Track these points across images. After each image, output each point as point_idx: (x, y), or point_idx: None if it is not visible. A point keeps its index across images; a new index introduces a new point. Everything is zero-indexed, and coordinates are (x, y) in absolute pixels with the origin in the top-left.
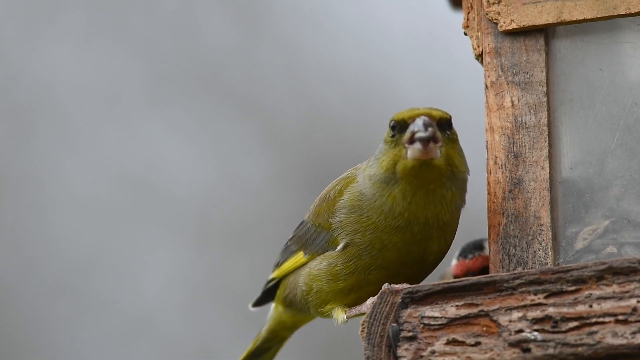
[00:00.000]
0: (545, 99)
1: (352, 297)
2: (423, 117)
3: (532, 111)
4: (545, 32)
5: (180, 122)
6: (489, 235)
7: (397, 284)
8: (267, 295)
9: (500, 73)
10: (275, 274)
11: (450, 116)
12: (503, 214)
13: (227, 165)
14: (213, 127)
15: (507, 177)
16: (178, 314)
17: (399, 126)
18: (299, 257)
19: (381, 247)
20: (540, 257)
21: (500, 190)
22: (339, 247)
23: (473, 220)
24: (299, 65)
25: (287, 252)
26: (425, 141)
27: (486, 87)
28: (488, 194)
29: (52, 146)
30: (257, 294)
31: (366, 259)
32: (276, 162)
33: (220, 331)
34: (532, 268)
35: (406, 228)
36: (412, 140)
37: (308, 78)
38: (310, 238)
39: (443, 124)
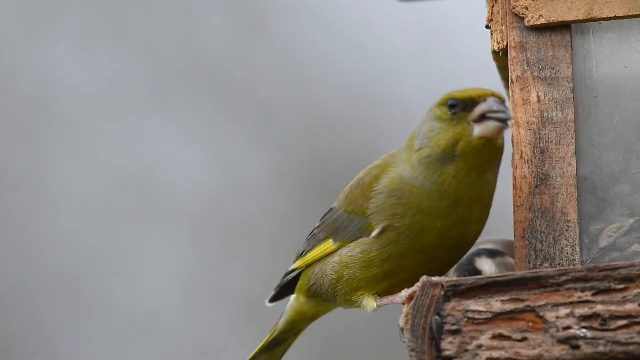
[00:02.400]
0: (572, 95)
1: (385, 284)
2: (494, 97)
3: (558, 107)
4: (570, 28)
5: (179, 122)
6: (515, 230)
7: (432, 269)
8: (284, 290)
9: (525, 67)
10: (299, 263)
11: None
12: (529, 209)
13: (227, 164)
14: (213, 127)
15: (533, 172)
16: (178, 314)
17: (464, 104)
18: (328, 244)
19: (420, 230)
20: (567, 253)
21: (527, 185)
22: (374, 233)
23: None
24: (298, 64)
25: (314, 241)
26: (502, 120)
27: (511, 81)
28: (514, 188)
29: (52, 146)
30: (272, 289)
31: (404, 243)
32: (276, 161)
33: (220, 331)
34: (559, 264)
35: (450, 209)
36: (481, 119)
37: (308, 78)
38: (341, 225)
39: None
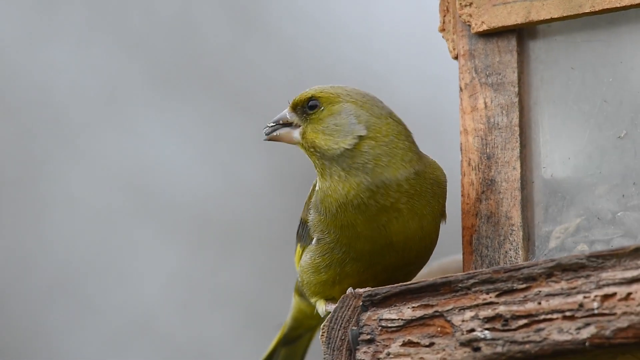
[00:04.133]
0: (517, 100)
1: (337, 289)
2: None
3: (504, 112)
4: (517, 33)
5: (179, 123)
6: (463, 237)
7: (375, 274)
8: None
9: (474, 75)
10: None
11: (309, 96)
12: (476, 215)
13: (226, 165)
14: (212, 127)
15: (480, 178)
16: (177, 315)
17: None
18: (297, 249)
19: (347, 241)
20: (511, 257)
21: (474, 191)
22: (313, 241)
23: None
24: (299, 65)
25: (294, 245)
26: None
27: (460, 89)
28: (462, 195)
29: (51, 147)
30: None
31: (338, 253)
32: (275, 162)
33: (219, 332)
34: None
35: (357, 212)
36: None
37: (308, 78)
38: (300, 231)
39: (301, 107)
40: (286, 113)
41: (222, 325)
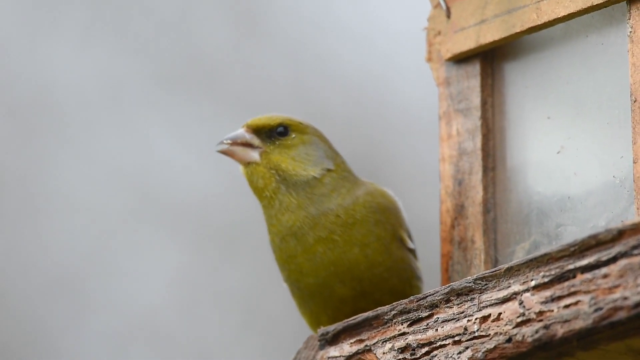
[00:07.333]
0: (479, 123)
1: (322, 326)
2: (240, 129)
3: (471, 137)
4: (482, 57)
5: (179, 123)
6: (441, 264)
7: (339, 309)
8: None
9: (449, 102)
10: None
11: (278, 122)
12: (451, 242)
13: (226, 165)
14: (213, 127)
15: (454, 205)
16: (178, 316)
17: None
18: None
19: (295, 277)
20: None
21: (450, 218)
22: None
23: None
24: (299, 65)
25: None
26: (228, 145)
27: (439, 117)
28: (440, 223)
29: (52, 146)
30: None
31: (296, 290)
32: None
33: (220, 333)
34: None
35: (288, 245)
36: None
37: (308, 78)
38: None
39: (267, 131)
40: (244, 134)
41: (222, 325)
